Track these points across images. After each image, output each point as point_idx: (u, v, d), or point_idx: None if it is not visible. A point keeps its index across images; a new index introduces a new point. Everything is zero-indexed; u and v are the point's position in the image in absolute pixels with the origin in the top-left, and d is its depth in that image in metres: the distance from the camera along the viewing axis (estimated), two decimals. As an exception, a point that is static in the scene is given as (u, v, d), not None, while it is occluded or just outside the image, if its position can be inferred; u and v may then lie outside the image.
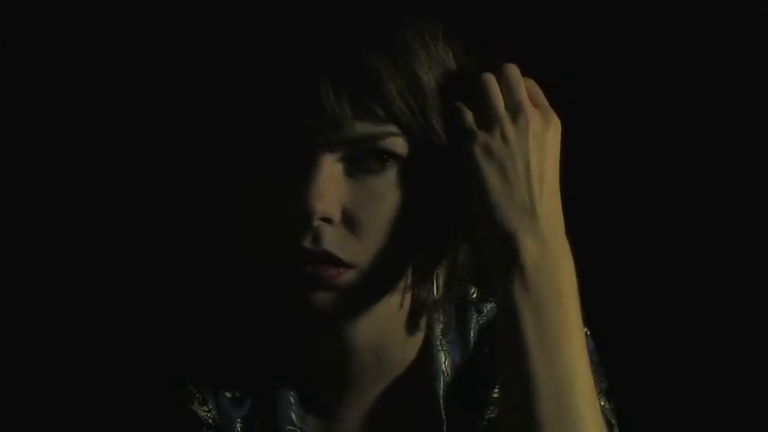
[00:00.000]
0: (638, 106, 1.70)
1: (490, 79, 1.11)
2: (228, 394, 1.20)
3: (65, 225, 1.69)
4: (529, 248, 1.06)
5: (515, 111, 1.10)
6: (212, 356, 1.21)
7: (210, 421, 1.18)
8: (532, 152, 1.09)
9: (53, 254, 1.69)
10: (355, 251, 1.08)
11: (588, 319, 1.21)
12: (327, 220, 1.07)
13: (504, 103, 1.10)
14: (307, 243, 1.07)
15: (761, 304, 1.69)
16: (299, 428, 1.18)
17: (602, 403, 1.19)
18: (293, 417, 1.19)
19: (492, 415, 1.18)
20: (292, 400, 1.19)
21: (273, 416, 1.19)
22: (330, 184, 1.06)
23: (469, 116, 1.09)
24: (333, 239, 1.08)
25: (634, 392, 1.42)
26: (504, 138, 1.08)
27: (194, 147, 1.60)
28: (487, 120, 1.09)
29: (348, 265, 1.08)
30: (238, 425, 1.19)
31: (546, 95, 1.15)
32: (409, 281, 1.15)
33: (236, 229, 1.16)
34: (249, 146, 1.11)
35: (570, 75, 1.64)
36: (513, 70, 1.13)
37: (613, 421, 1.19)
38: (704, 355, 1.70)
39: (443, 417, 1.18)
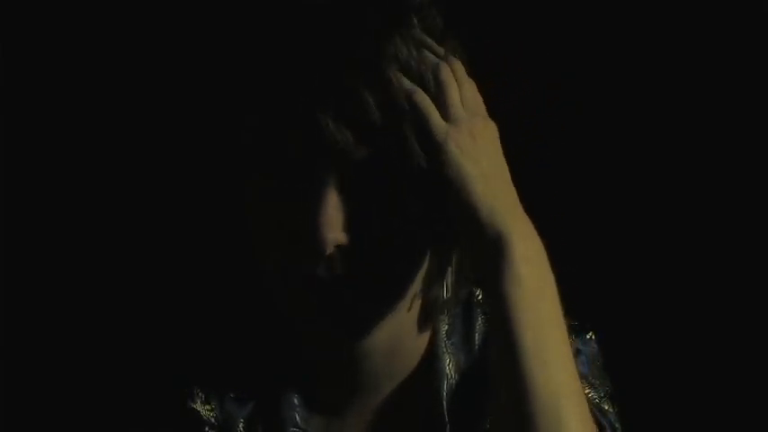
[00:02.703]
0: (638, 106, 1.70)
1: (449, 76, 1.09)
2: (231, 394, 1.20)
3: (66, 225, 1.69)
4: (517, 245, 1.05)
5: (472, 109, 1.09)
6: (215, 356, 1.21)
7: (213, 421, 1.18)
8: (498, 151, 1.09)
9: (54, 254, 1.69)
10: (365, 269, 1.09)
11: (592, 323, 1.21)
12: (338, 245, 1.08)
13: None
14: (321, 272, 1.08)
15: (763, 308, 1.69)
16: (302, 430, 1.18)
17: (606, 407, 1.19)
18: (297, 418, 1.19)
19: (495, 418, 1.18)
20: (296, 401, 1.19)
21: (277, 417, 1.19)
22: (337, 210, 1.07)
23: (437, 116, 1.07)
24: (344, 262, 1.08)
25: (637, 396, 1.43)
26: (472, 136, 1.08)
27: (201, 149, 1.60)
28: (452, 118, 1.08)
29: (360, 284, 1.09)
30: (241, 425, 1.19)
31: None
32: (419, 286, 1.15)
33: (238, 229, 1.17)
34: (260, 155, 1.10)
35: (570, 75, 1.65)
36: (461, 68, 1.11)
37: (617, 425, 1.19)
38: (707, 358, 1.70)
39: (446, 419, 1.18)
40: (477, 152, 1.07)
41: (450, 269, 1.18)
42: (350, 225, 1.08)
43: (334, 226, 1.06)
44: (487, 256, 1.06)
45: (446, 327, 1.21)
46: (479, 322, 1.22)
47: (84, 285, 1.68)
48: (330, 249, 1.06)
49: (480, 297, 1.23)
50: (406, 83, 1.07)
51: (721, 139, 1.69)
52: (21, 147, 1.69)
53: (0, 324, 1.68)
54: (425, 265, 1.15)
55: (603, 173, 1.68)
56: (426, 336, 1.21)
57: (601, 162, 1.68)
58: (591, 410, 1.08)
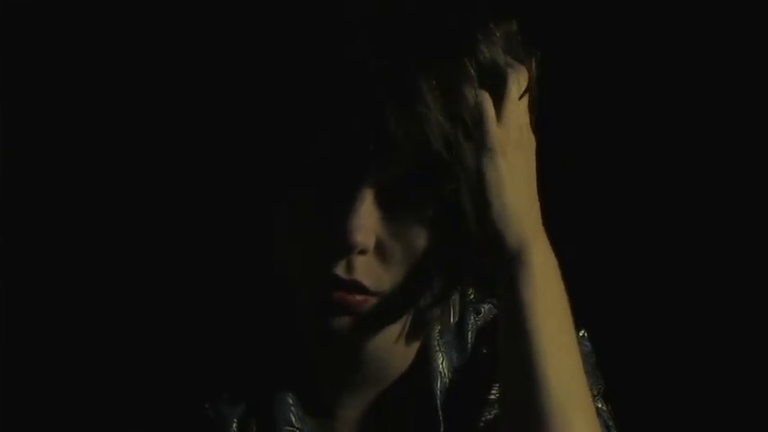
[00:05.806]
0: (637, 106, 1.70)
1: (514, 82, 1.11)
2: (225, 394, 1.19)
3: (67, 225, 1.70)
4: (537, 257, 1.08)
5: (520, 118, 1.11)
6: (210, 355, 1.21)
7: (206, 420, 1.18)
8: (532, 164, 1.12)
9: (54, 254, 1.69)
10: (382, 280, 1.10)
11: (584, 322, 1.22)
12: (363, 251, 1.08)
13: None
14: (339, 271, 1.08)
15: (757, 306, 1.69)
16: (297, 429, 1.18)
17: (599, 405, 1.20)
18: (292, 417, 1.18)
19: (489, 416, 1.18)
20: (290, 400, 1.19)
21: (271, 416, 1.18)
22: (369, 217, 1.07)
23: (496, 130, 1.09)
24: (363, 268, 1.09)
25: (630, 394, 1.43)
26: (516, 145, 1.10)
27: (206, 147, 1.60)
28: (503, 122, 1.09)
29: (373, 293, 1.10)
30: (234, 425, 1.19)
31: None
32: (426, 303, 1.16)
33: (239, 228, 1.16)
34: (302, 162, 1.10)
35: (570, 75, 1.65)
36: (524, 75, 1.12)
37: (610, 423, 1.20)
38: (701, 356, 1.70)
39: (440, 418, 1.18)
40: (517, 161, 1.09)
41: (456, 293, 1.20)
42: (381, 237, 1.09)
43: (363, 231, 1.07)
44: (508, 264, 1.09)
45: (439, 326, 1.21)
46: (472, 320, 1.23)
47: (82, 285, 1.68)
48: (355, 251, 1.07)
49: (473, 296, 1.24)
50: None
51: (721, 140, 1.69)
52: (24, 146, 1.69)
53: (2, 324, 1.69)
54: (437, 284, 1.16)
55: (601, 172, 1.69)
56: (420, 335, 1.21)
57: (592, 161, 1.68)
58: None
